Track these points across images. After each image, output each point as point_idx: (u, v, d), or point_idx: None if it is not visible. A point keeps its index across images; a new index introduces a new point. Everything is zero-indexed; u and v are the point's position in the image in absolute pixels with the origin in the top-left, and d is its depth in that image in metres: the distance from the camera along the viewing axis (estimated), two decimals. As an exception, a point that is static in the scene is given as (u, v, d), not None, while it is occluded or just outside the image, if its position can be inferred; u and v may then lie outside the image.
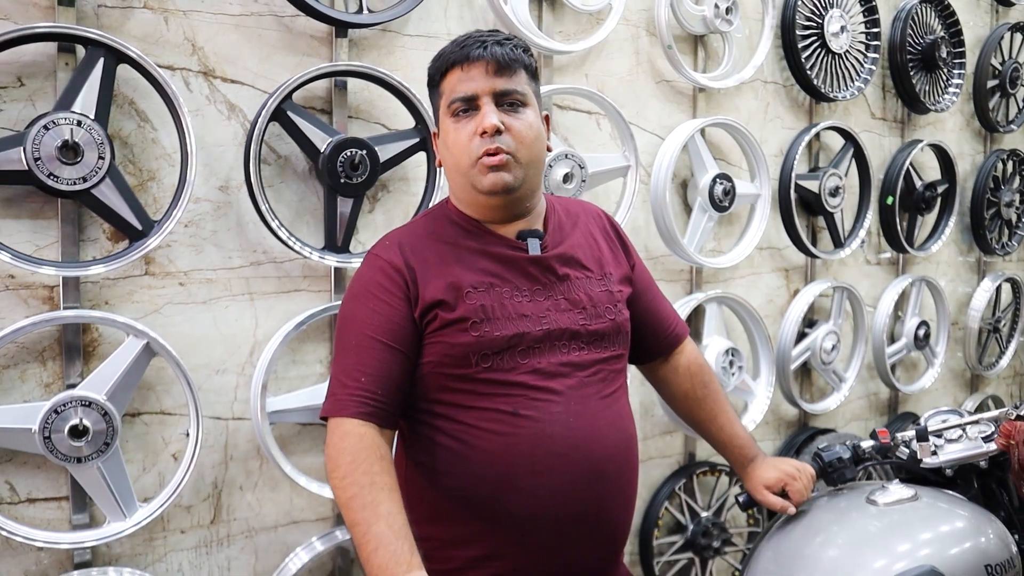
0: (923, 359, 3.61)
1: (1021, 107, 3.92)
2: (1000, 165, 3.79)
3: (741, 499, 1.65)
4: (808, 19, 2.97)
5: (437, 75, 1.44)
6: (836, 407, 3.19)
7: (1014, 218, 3.91)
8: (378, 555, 1.22)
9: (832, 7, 3.02)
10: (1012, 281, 3.95)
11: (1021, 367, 4.32)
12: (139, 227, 1.88)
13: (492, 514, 1.37)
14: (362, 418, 1.33)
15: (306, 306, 2.14)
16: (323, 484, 2.16)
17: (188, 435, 2.00)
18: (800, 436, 3.15)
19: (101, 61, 1.80)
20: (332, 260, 2.09)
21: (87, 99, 1.80)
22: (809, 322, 3.12)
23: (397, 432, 1.44)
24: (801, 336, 3.06)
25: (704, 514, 2.85)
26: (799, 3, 2.92)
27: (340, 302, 2.11)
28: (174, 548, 2.09)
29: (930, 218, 3.59)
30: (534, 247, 1.42)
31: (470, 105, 1.39)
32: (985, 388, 4.06)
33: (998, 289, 3.87)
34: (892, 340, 3.45)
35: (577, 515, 1.38)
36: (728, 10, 2.70)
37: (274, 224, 2.00)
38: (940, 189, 3.49)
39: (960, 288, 3.86)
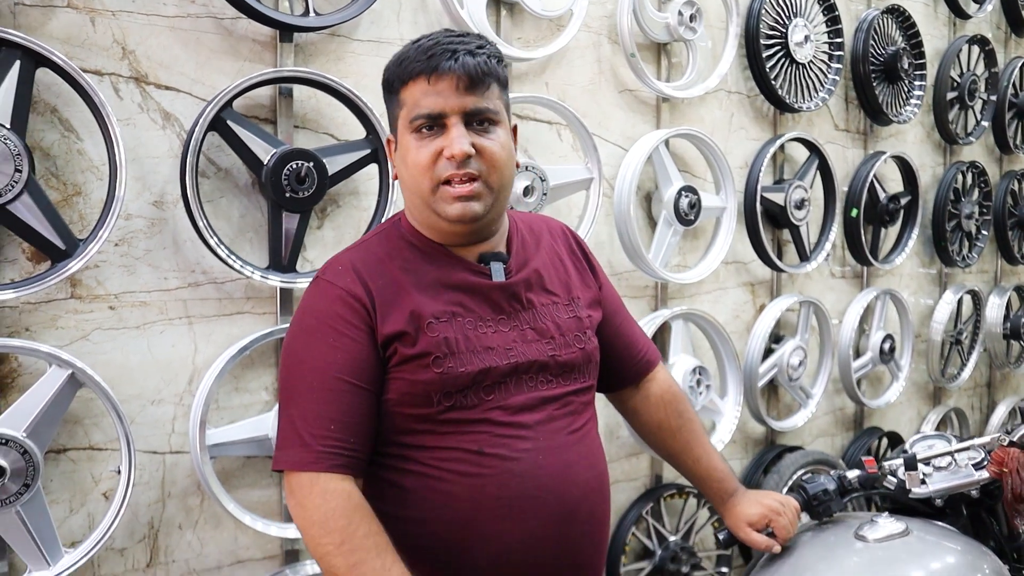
0: (888, 373, 3.57)
1: (979, 119, 3.92)
2: (960, 177, 3.78)
3: (721, 536, 1.54)
4: (772, 28, 2.91)
5: (397, 82, 1.28)
6: (803, 424, 3.11)
7: (974, 230, 3.90)
8: None
9: (796, 16, 2.96)
10: (973, 293, 3.94)
11: (981, 379, 4.31)
12: (62, 247, 1.73)
13: (456, 563, 1.24)
14: (339, 471, 1.19)
15: (250, 330, 1.99)
16: (269, 521, 2.01)
17: (120, 472, 1.84)
18: (768, 454, 3.07)
19: (18, 64, 1.64)
20: (277, 280, 1.95)
21: (2, 106, 1.64)
22: (775, 337, 3.05)
23: None
24: (768, 352, 2.98)
25: (672, 538, 2.75)
26: (763, 12, 2.86)
27: (287, 326, 2.00)
28: (106, 595, 1.92)
29: (893, 230, 3.55)
30: (498, 272, 1.29)
31: (436, 123, 1.24)
32: (947, 400, 4.04)
33: (959, 301, 3.85)
34: (858, 354, 3.39)
35: (548, 561, 1.25)
36: (692, 17, 2.62)
37: (213, 241, 1.85)
38: (903, 201, 3.46)
39: (922, 300, 3.83)
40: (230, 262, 1.88)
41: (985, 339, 4.06)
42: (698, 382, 2.63)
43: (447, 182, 1.23)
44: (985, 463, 1.55)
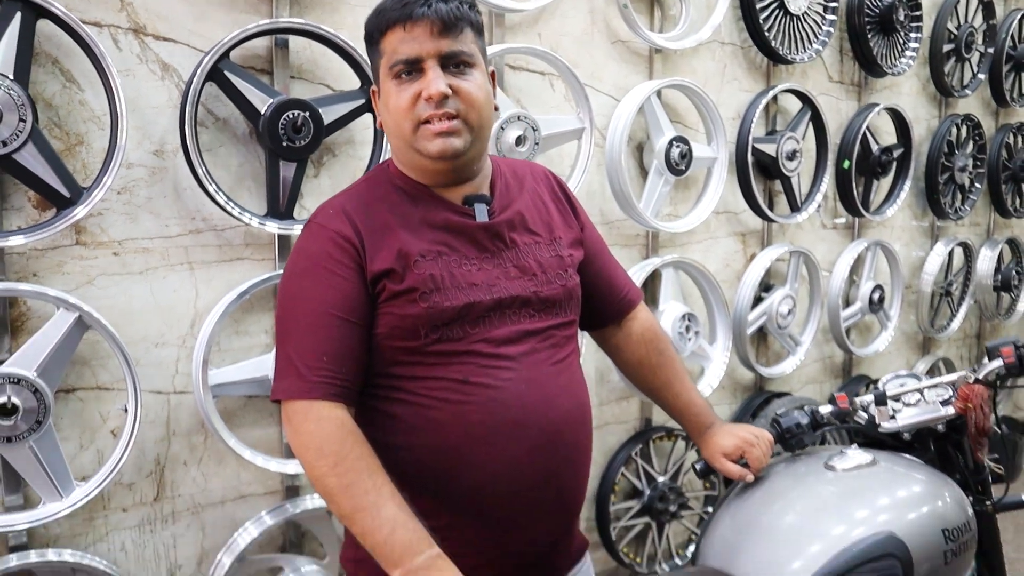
0: (877, 322, 3.64)
1: (976, 72, 3.93)
2: (955, 130, 3.81)
3: (698, 467, 1.62)
4: (766, -21, 2.92)
5: (376, 32, 1.35)
6: (792, 371, 3.19)
7: (967, 183, 3.94)
8: (397, 535, 1.20)
9: (790, -34, 2.97)
10: (964, 245, 3.99)
11: (971, 330, 4.38)
12: (67, 194, 1.79)
13: (445, 488, 1.32)
14: (333, 400, 1.26)
15: (249, 275, 2.06)
16: (270, 457, 2.10)
17: (126, 410, 1.92)
18: (756, 400, 3.15)
19: (18, 16, 1.69)
20: (275, 227, 2.01)
21: (5, 57, 1.69)
22: (765, 286, 3.11)
23: None
24: (757, 300, 3.05)
25: (661, 479, 2.84)
26: (756, -38, 2.87)
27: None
28: (116, 527, 2.02)
29: (886, 182, 3.59)
30: (481, 213, 1.36)
31: (413, 67, 1.30)
32: (936, 350, 4.11)
33: (950, 253, 3.91)
34: (847, 304, 3.46)
35: (532, 486, 1.33)
36: (684, -32, 2.64)
37: (212, 188, 1.91)
38: (896, 153, 3.49)
39: (914, 252, 3.89)
40: (229, 209, 1.94)
41: (975, 291, 4.12)
42: (687, 328, 2.70)
43: (427, 122, 1.29)
44: (952, 400, 1.63)
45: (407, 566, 1.18)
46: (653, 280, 2.76)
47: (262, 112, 1.95)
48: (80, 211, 1.79)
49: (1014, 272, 4.22)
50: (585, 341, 2.50)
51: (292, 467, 2.11)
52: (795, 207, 3.12)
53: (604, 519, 2.74)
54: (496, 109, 1.40)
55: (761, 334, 3.18)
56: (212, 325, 1.98)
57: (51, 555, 1.89)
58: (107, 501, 2.00)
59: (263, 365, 2.04)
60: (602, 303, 1.56)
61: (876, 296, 3.47)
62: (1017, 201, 4.26)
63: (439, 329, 1.30)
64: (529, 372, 1.33)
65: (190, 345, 2.03)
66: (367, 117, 2.14)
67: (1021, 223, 4.48)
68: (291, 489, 2.20)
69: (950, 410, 1.62)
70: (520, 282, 1.35)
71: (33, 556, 1.87)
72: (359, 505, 1.20)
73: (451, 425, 1.30)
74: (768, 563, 1.36)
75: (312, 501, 2.17)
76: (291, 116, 1.96)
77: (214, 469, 2.12)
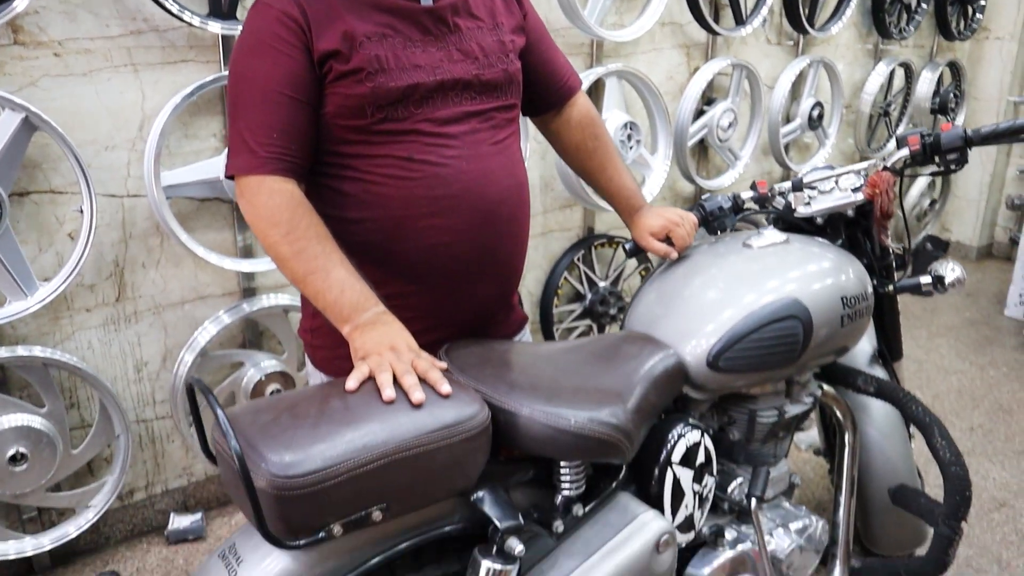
0: (815, 140, 3.75)
1: None
2: (903, -55, 3.79)
3: (627, 246, 1.74)
4: None
5: None
6: (731, 184, 3.31)
7: (913, 3, 3.95)
8: (346, 295, 1.30)
9: None
10: (905, 66, 4.05)
11: (907, 150, 4.50)
12: (0, -12, 1.76)
13: (392, 259, 1.42)
14: (283, 175, 1.33)
15: (194, 77, 2.07)
16: (224, 257, 2.18)
17: (82, 211, 1.97)
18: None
19: None
20: (218, 27, 2.01)
21: None
22: (708, 100, 3.18)
23: None
24: (699, 114, 3.12)
25: (602, 284, 3.00)
26: None
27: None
28: (81, 327, 2.12)
29: (832, -1, 3.60)
30: None
31: None
32: (872, 170, 4.25)
33: (891, 74, 3.97)
34: (787, 120, 3.55)
35: (472, 256, 1.44)
36: None
37: (149, -17, 1.89)
38: (843, -33, 3.48)
39: (856, 73, 3.95)
40: (167, 6, 1.92)
41: (913, 113, 4.22)
42: (629, 137, 2.78)
43: None
44: (862, 187, 1.75)
45: (355, 321, 1.29)
46: (596, 89, 2.80)
47: (196, -95, 1.91)
48: (18, 4, 1.77)
49: (952, 95, 4.31)
50: (529, 149, 2.57)
51: (247, 266, 2.20)
52: (740, 20, 3.14)
53: (548, 321, 2.91)
54: None
55: (702, 147, 3.27)
56: (161, 127, 2.00)
57: (21, 351, 1.99)
58: (71, 302, 2.09)
59: (213, 167, 2.09)
60: (543, 89, 1.62)
61: (816, 113, 3.56)
62: (962, 24, 4.29)
63: (384, 109, 1.36)
64: (470, 151, 1.41)
65: (140, 149, 2.06)
66: (306, -86, 2.08)
67: (964, 46, 4.53)
68: (248, 291, 2.30)
69: (859, 196, 1.74)
70: (463, 65, 1.41)
71: (3, 351, 1.97)
72: (310, 268, 1.30)
73: (397, 200, 1.38)
74: (686, 327, 1.50)
75: (268, 300, 2.28)
76: (227, -90, 1.92)
77: (172, 271, 2.20)
